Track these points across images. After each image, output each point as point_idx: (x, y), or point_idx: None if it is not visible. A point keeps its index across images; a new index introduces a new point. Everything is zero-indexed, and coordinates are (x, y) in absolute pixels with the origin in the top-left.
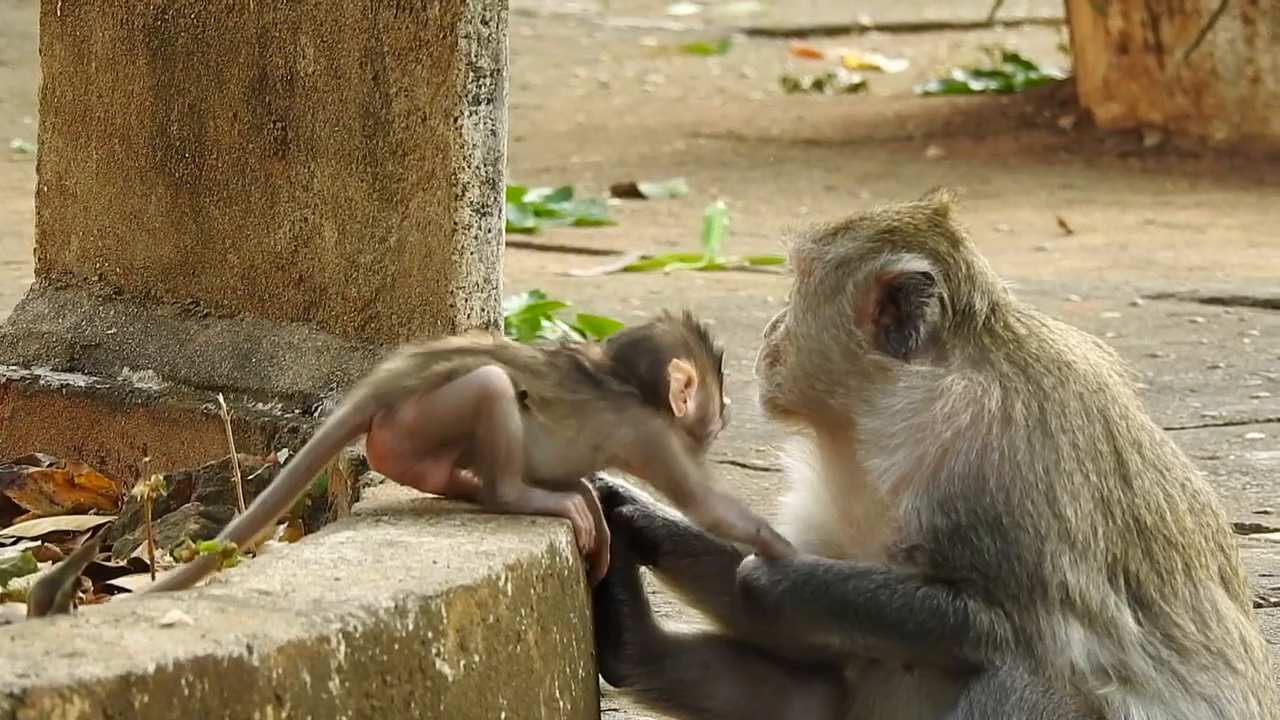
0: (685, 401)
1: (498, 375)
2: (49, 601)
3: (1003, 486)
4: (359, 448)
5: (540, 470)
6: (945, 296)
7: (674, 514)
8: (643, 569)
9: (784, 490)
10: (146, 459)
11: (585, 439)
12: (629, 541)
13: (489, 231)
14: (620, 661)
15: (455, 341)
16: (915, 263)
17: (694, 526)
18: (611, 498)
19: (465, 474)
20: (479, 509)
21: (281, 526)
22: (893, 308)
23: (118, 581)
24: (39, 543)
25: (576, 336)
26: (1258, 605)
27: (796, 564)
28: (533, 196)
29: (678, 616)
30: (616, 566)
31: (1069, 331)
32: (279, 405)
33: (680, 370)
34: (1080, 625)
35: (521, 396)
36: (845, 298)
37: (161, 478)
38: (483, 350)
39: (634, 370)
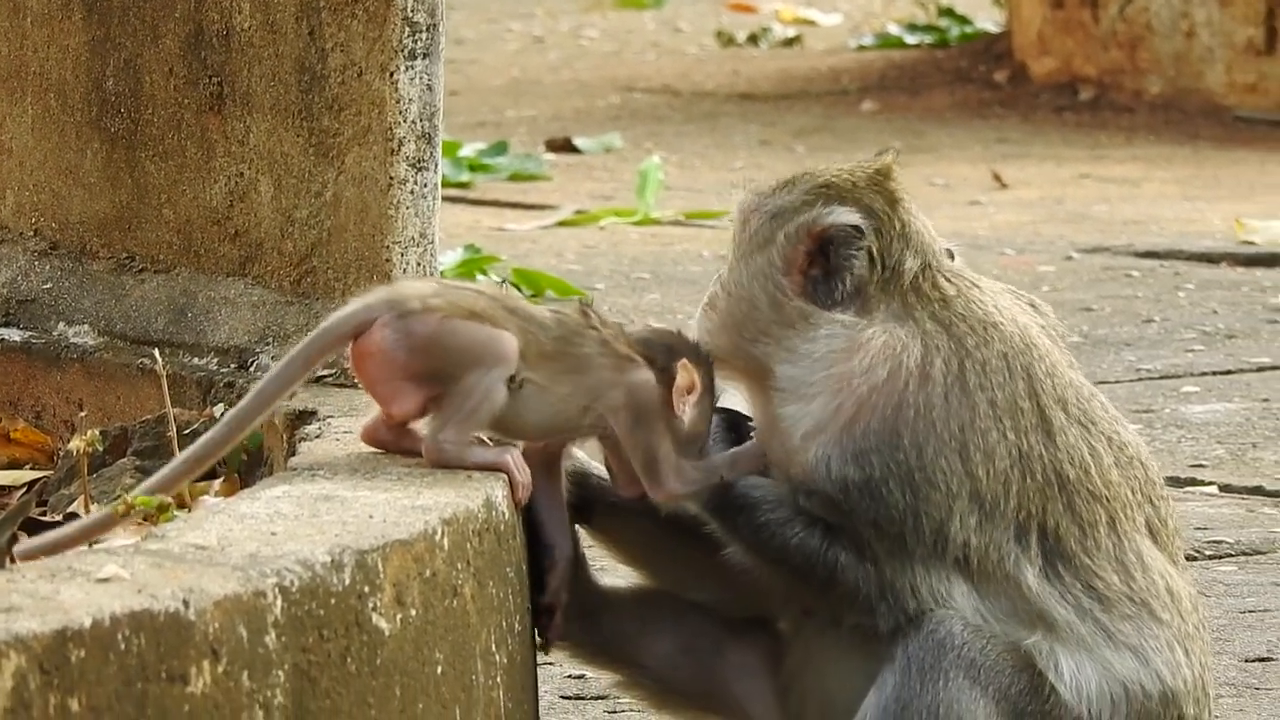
0: (684, 405)
1: (513, 344)
2: None
3: (916, 443)
4: (295, 402)
5: (525, 430)
6: (875, 251)
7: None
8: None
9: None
10: (82, 414)
11: (578, 397)
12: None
13: (425, 186)
14: (552, 628)
15: (485, 287)
16: (846, 215)
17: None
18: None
19: (417, 426)
20: (416, 464)
21: (217, 481)
22: (822, 260)
23: None
24: None
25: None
26: (1192, 558)
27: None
28: (468, 151)
29: (612, 571)
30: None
31: (1002, 294)
32: (215, 360)
33: (688, 371)
34: (967, 584)
35: (510, 380)
36: (775, 248)
37: (97, 432)
38: (508, 308)
39: (649, 351)
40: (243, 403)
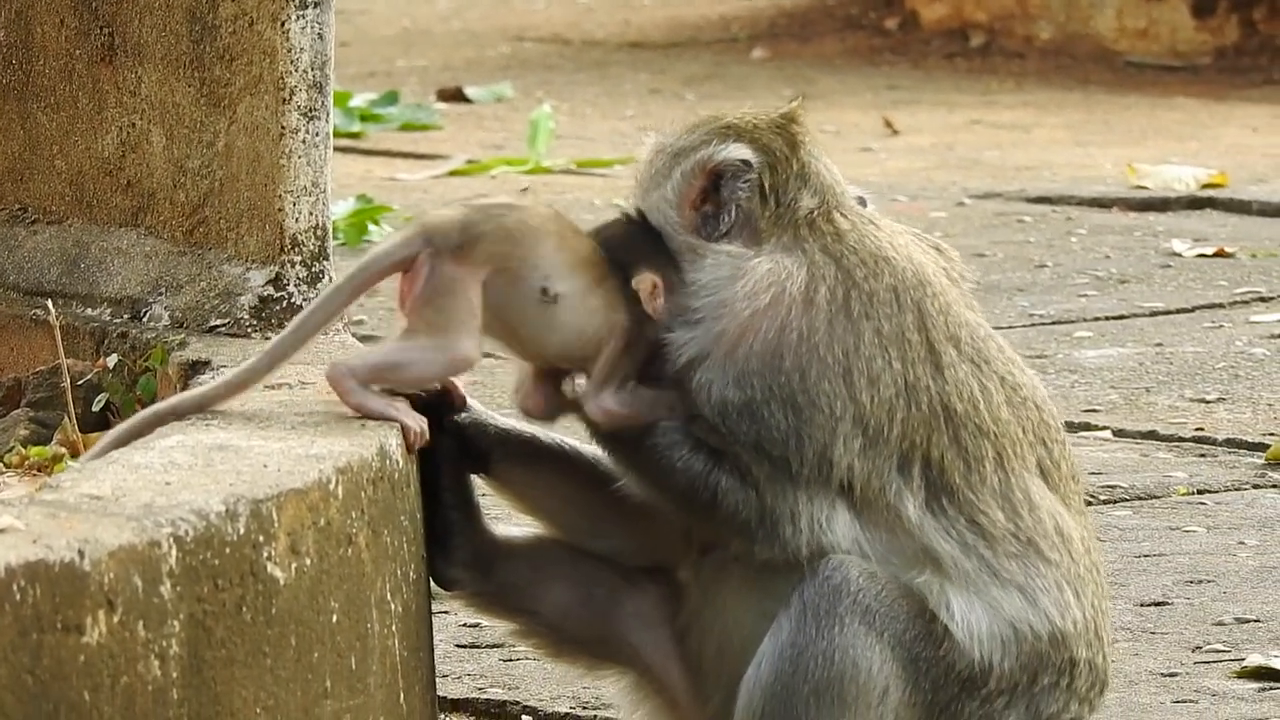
0: (657, 303)
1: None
2: None
3: (799, 366)
4: (189, 352)
5: (545, 349)
6: (766, 187)
7: (506, 422)
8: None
9: None
10: None
11: (605, 312)
12: (460, 449)
13: (317, 135)
14: (450, 565)
15: (515, 199)
16: (737, 151)
17: (525, 433)
18: (440, 405)
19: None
20: (310, 413)
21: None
22: (714, 195)
23: None
24: None
25: None
26: (1087, 503)
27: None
28: (358, 101)
29: (508, 520)
30: (445, 472)
31: (900, 233)
32: (108, 310)
33: (644, 282)
34: (849, 511)
35: (543, 292)
36: (671, 183)
37: None
38: (545, 215)
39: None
40: (283, 335)
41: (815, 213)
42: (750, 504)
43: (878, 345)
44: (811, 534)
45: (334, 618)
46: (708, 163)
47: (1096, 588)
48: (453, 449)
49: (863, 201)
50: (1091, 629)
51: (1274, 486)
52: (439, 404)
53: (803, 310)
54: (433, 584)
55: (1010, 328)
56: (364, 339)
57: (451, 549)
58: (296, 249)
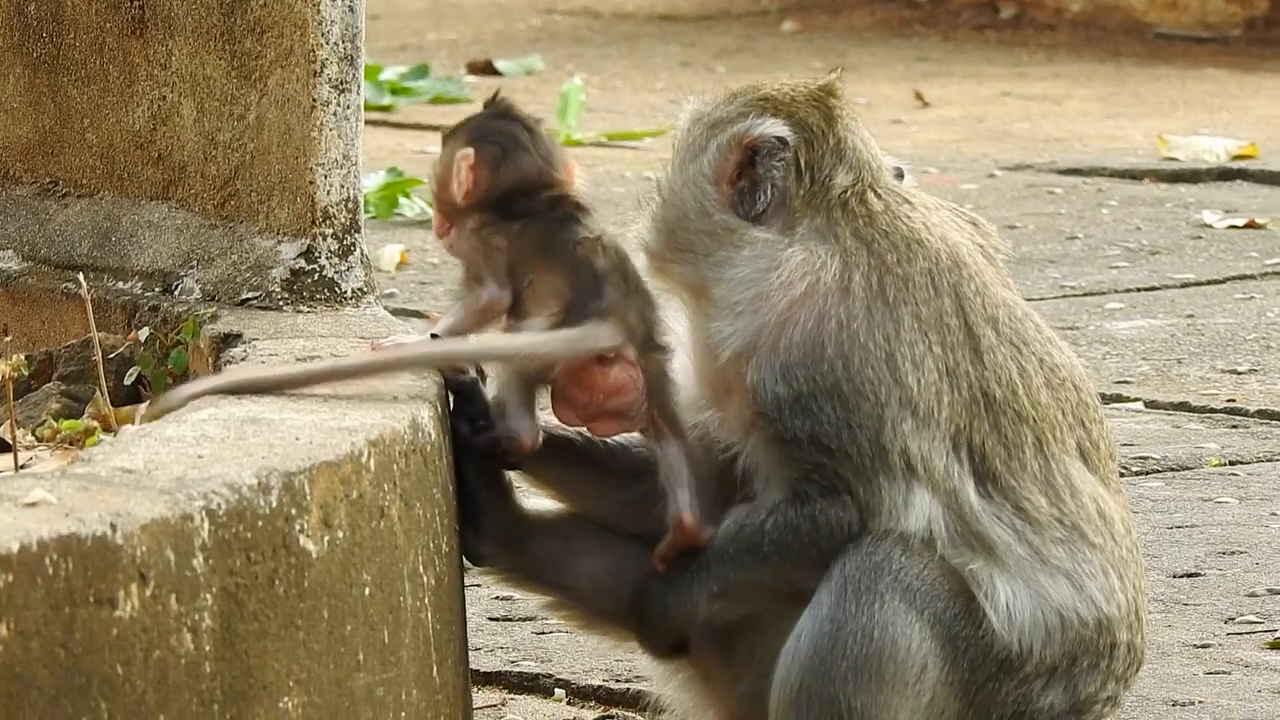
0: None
1: None
2: None
3: (840, 354)
4: (220, 325)
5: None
6: (802, 164)
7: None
8: None
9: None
10: (7, 339)
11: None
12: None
13: (348, 108)
14: (481, 541)
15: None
16: (774, 127)
17: (559, 434)
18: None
19: None
20: (341, 386)
21: (143, 405)
22: (751, 171)
23: None
24: None
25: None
26: (1119, 475)
27: (681, 581)
28: (389, 74)
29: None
30: (474, 453)
31: (935, 210)
32: (139, 284)
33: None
34: (925, 491)
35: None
36: (708, 156)
37: (22, 357)
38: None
39: None
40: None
41: (849, 192)
42: (849, 509)
43: (918, 330)
44: (899, 515)
45: (366, 590)
46: (744, 137)
47: (1137, 568)
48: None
49: (900, 174)
50: (1133, 611)
51: None
52: (470, 397)
53: (839, 299)
54: (464, 559)
55: (1041, 299)
56: (395, 312)
57: (481, 525)
58: (328, 222)
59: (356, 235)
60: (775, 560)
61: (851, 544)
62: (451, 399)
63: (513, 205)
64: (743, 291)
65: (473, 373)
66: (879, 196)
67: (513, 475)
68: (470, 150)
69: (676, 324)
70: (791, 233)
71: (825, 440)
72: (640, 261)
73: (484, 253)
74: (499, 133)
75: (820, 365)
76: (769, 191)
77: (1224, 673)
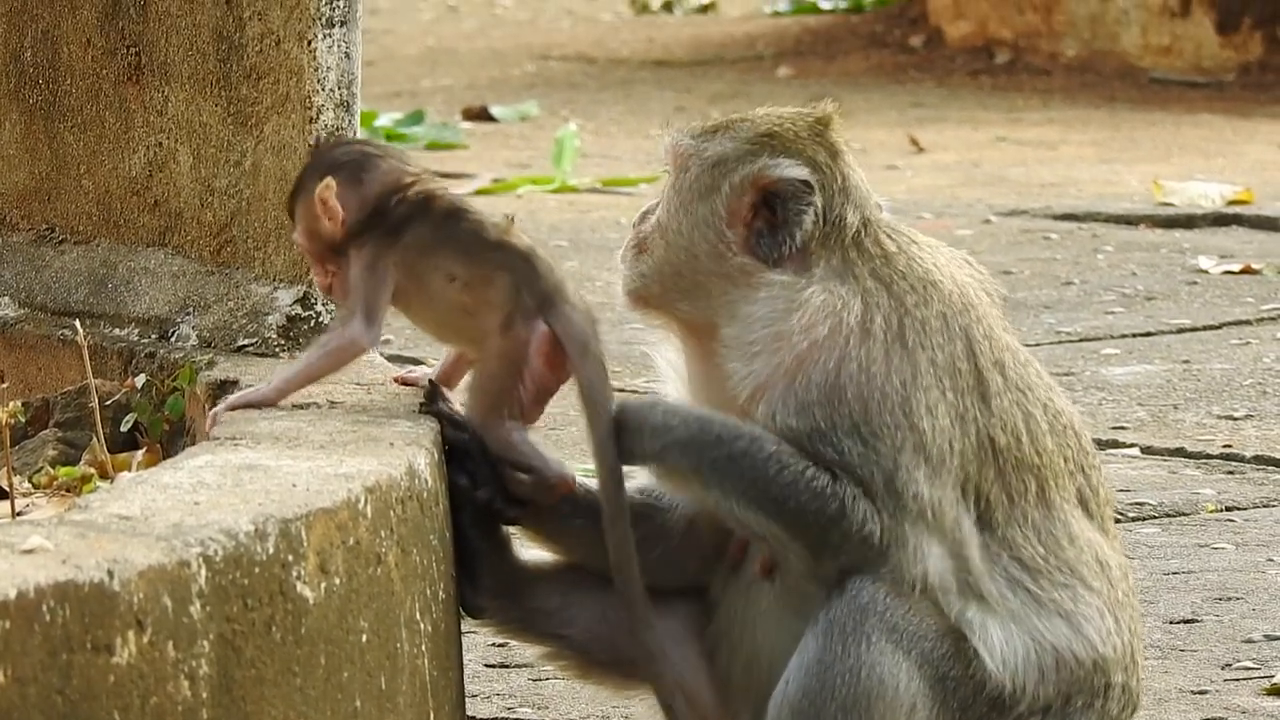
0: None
1: None
2: None
3: (859, 397)
4: (217, 372)
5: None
6: (819, 206)
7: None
8: None
9: (655, 380)
10: (3, 385)
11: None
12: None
13: None
14: (478, 594)
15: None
16: (795, 170)
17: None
18: (463, 447)
19: None
20: (338, 433)
21: (139, 452)
22: (767, 212)
23: None
24: None
25: None
26: (1115, 521)
27: (692, 412)
28: (384, 121)
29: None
30: (471, 503)
31: (939, 249)
32: (136, 330)
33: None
34: (936, 541)
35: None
36: (720, 198)
37: (19, 404)
38: None
39: None
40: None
41: (861, 231)
42: (878, 520)
43: (933, 375)
44: (909, 559)
45: (364, 637)
46: (760, 178)
47: (1133, 611)
48: (477, 483)
49: (879, 207)
50: (1129, 654)
51: None
52: (462, 446)
53: (860, 341)
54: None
55: (1037, 345)
56: (391, 358)
57: (479, 578)
58: None
59: None
60: (791, 520)
61: (836, 587)
62: (448, 453)
63: (388, 216)
64: (759, 331)
65: (469, 428)
66: (889, 236)
67: (509, 528)
68: (329, 179)
69: (665, 358)
70: (809, 273)
71: (851, 469)
72: (627, 303)
73: (372, 281)
74: (344, 155)
75: (840, 407)
76: (795, 235)
77: (1221, 718)
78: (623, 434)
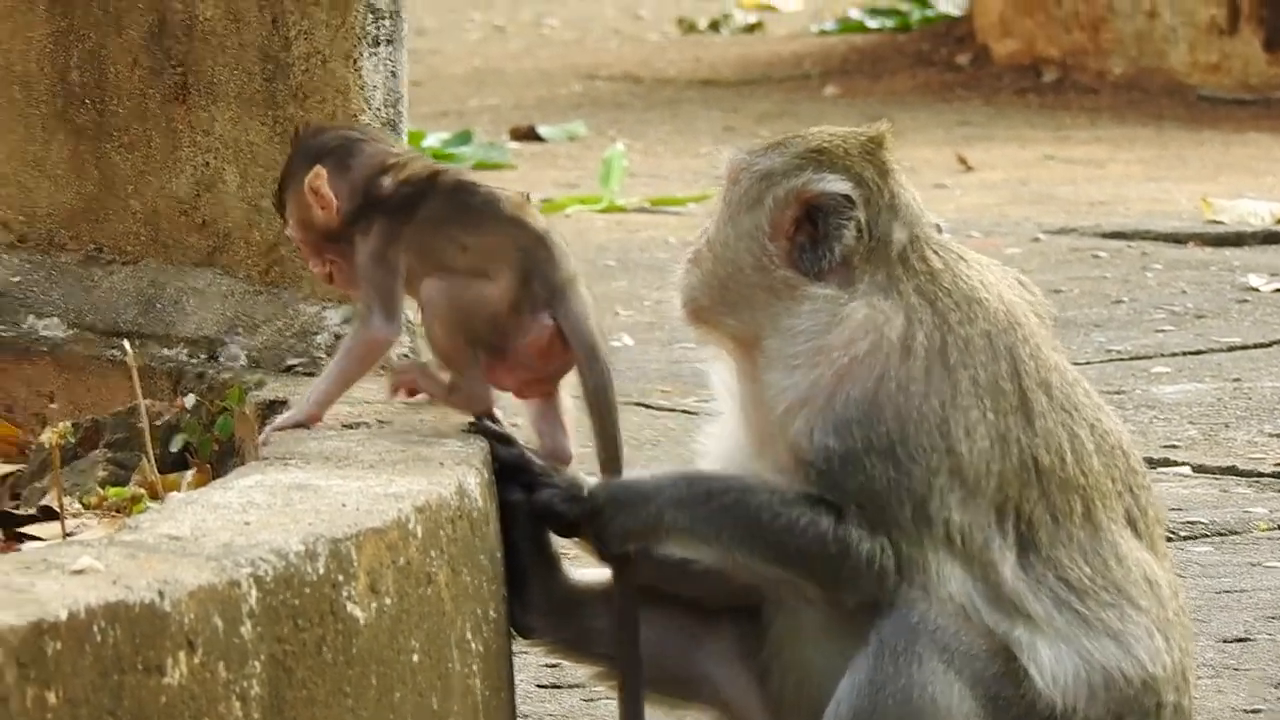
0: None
1: None
2: None
3: (897, 416)
4: (266, 392)
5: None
6: (863, 221)
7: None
8: None
9: (708, 422)
10: (53, 406)
11: None
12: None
13: None
14: (528, 614)
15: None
16: (837, 184)
17: None
18: (519, 468)
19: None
20: (388, 452)
21: (189, 472)
22: (810, 226)
23: (27, 530)
24: None
25: None
26: (1167, 540)
27: (679, 471)
28: (432, 141)
29: (583, 559)
30: (521, 523)
31: (988, 267)
32: (185, 350)
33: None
34: (959, 564)
35: None
36: (764, 210)
37: (69, 425)
38: None
39: None
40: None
41: (908, 248)
42: (886, 551)
43: (973, 395)
44: (932, 584)
45: (414, 657)
46: (802, 192)
47: (1183, 630)
48: (526, 509)
49: (938, 228)
50: (1179, 673)
51: None
52: (518, 468)
53: (900, 359)
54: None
55: (1087, 364)
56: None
57: (529, 598)
58: None
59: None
60: (794, 564)
61: (887, 607)
62: (499, 471)
63: (384, 199)
64: (801, 345)
65: (519, 442)
66: (936, 253)
67: (562, 544)
68: (317, 167)
69: (719, 376)
70: (852, 288)
71: (874, 495)
72: (683, 316)
73: (382, 271)
74: (330, 141)
75: (878, 426)
76: (835, 249)
77: None
78: (616, 509)
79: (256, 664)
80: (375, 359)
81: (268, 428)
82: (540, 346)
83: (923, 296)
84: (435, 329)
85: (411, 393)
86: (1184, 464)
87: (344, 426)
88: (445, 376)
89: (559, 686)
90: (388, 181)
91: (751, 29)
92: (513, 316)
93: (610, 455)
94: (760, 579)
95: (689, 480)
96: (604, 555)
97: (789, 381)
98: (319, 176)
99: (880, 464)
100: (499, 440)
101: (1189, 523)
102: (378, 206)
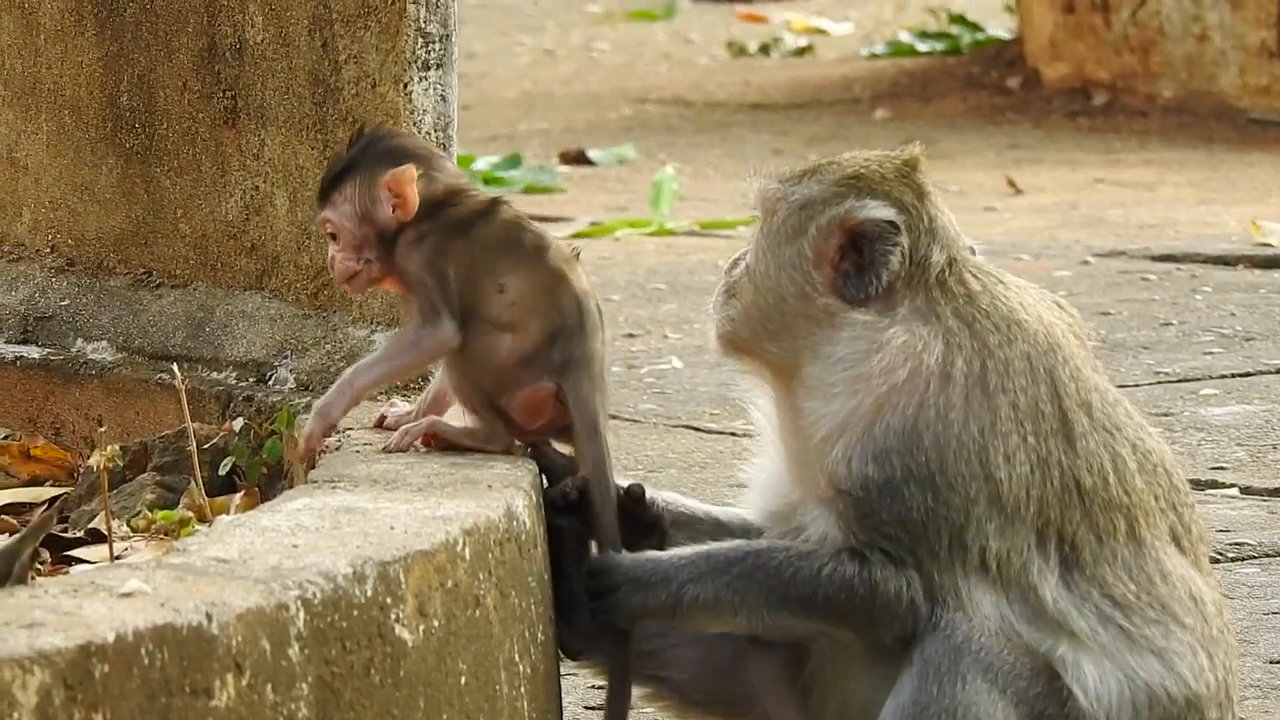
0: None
1: None
2: (7, 573)
3: (937, 445)
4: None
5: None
6: (906, 247)
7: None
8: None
9: (751, 456)
10: (102, 429)
11: None
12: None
13: None
14: (575, 636)
15: None
16: (882, 210)
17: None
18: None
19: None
20: (437, 475)
21: (238, 495)
22: (854, 254)
23: (75, 552)
24: None
25: None
26: (1215, 561)
27: (691, 548)
28: (481, 165)
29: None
30: (569, 547)
31: (1026, 290)
32: (233, 374)
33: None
34: (990, 589)
35: None
36: (807, 240)
37: (117, 448)
38: None
39: None
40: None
41: (946, 270)
42: (913, 584)
43: (1013, 420)
44: (965, 607)
45: (462, 679)
46: (846, 220)
47: (1228, 647)
48: (576, 527)
49: (972, 250)
50: (1223, 690)
51: None
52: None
53: (939, 386)
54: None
55: (1136, 386)
56: None
57: (576, 619)
58: None
59: None
60: (825, 613)
61: (929, 627)
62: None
63: (448, 214)
64: (840, 373)
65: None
66: (974, 275)
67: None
68: (409, 166)
69: (758, 406)
70: (892, 314)
71: (909, 524)
72: (717, 348)
73: (440, 279)
74: (413, 146)
75: (917, 455)
76: (882, 276)
77: None
78: (634, 589)
79: (304, 686)
80: (436, 360)
81: (307, 423)
82: (532, 404)
83: (961, 320)
84: (448, 369)
85: (428, 440)
86: (1232, 485)
87: (386, 450)
88: (467, 420)
89: None
90: (458, 200)
91: (801, 52)
92: (517, 370)
93: (609, 538)
94: (793, 635)
95: (705, 555)
96: (605, 628)
97: (828, 409)
98: (410, 175)
99: (919, 493)
100: (547, 463)
101: (1237, 544)
102: (437, 219)
